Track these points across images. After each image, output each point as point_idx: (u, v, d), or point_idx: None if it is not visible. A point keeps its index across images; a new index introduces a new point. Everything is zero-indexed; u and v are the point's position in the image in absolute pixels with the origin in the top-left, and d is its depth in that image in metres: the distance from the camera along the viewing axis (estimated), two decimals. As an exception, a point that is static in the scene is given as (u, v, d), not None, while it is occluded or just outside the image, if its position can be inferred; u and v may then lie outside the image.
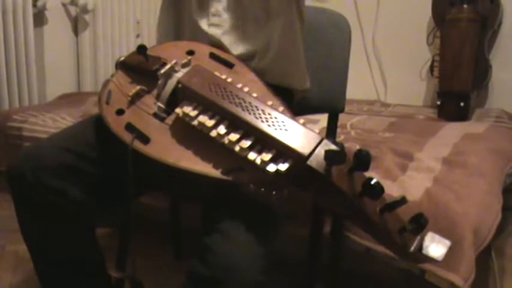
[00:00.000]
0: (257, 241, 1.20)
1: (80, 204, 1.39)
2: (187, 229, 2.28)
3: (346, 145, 2.36)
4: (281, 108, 1.25)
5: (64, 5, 3.61)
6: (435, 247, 1.09)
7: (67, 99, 3.45)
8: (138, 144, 1.27)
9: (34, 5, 3.34)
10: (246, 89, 1.30)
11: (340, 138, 2.57)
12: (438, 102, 3.22)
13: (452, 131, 2.76)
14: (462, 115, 3.11)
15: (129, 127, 1.32)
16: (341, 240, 1.91)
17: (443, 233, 1.73)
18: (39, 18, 3.47)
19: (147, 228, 2.36)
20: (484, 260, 2.04)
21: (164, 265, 2.27)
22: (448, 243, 1.10)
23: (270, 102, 1.26)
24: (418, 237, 1.10)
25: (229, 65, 1.48)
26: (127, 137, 1.29)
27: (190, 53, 1.49)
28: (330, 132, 2.03)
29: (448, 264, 1.70)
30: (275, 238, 1.30)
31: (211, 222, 1.25)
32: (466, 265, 1.74)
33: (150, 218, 2.36)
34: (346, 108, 2.06)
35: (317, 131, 1.19)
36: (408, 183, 2.02)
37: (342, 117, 2.10)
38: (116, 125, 1.33)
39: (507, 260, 2.29)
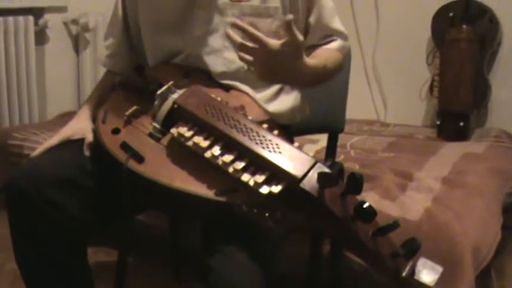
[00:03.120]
0: (258, 262, 1.20)
1: (77, 221, 1.39)
2: (187, 248, 2.27)
3: (345, 165, 2.36)
4: (276, 131, 1.25)
5: (65, 23, 3.62)
6: (427, 273, 1.09)
7: (68, 118, 3.43)
8: (132, 164, 1.28)
9: (35, 23, 3.36)
10: (241, 112, 1.30)
11: (339, 158, 2.57)
12: (438, 122, 3.22)
13: (451, 151, 2.76)
14: (462, 135, 3.10)
15: (124, 146, 1.32)
16: (340, 260, 1.91)
17: (443, 252, 1.74)
18: (41, 37, 3.48)
19: (146, 247, 2.36)
20: (484, 280, 2.03)
21: (163, 285, 2.26)
22: (440, 269, 1.10)
23: (265, 125, 1.26)
24: (411, 263, 1.10)
25: (225, 88, 1.49)
26: (122, 155, 1.30)
27: (187, 75, 1.50)
28: (330, 152, 2.03)
29: (448, 284, 1.68)
30: (275, 259, 1.31)
31: (212, 243, 1.25)
32: (466, 285, 1.74)
33: (149, 237, 2.35)
34: (346, 128, 2.05)
35: (316, 150, 1.19)
36: (408, 203, 2.02)
37: (341, 137, 2.10)
38: (111, 143, 1.34)
39: (507, 280, 2.28)
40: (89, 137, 1.50)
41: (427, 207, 1.98)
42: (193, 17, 1.54)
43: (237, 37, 1.32)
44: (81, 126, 1.56)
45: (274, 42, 1.30)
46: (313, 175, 1.11)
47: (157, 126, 1.36)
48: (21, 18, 3.23)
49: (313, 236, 1.89)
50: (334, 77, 1.62)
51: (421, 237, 1.13)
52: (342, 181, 1.10)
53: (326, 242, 1.91)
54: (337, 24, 1.64)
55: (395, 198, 2.07)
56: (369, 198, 1.98)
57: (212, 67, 1.54)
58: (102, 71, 1.85)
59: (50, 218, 1.35)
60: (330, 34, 1.64)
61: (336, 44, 1.64)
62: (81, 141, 1.50)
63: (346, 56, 1.70)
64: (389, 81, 3.64)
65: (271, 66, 1.34)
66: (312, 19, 1.61)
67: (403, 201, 2.04)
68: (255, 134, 1.21)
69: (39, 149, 1.51)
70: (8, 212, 1.40)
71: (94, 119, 1.57)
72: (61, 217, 1.36)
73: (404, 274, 1.09)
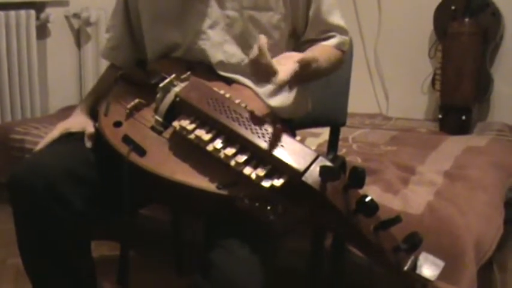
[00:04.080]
0: (259, 256, 1.20)
1: (80, 214, 1.39)
2: (189, 243, 2.27)
3: (347, 159, 2.36)
4: (278, 125, 1.25)
5: (67, 17, 3.62)
6: (429, 267, 1.10)
7: (70, 112, 3.43)
8: (134, 157, 1.28)
9: (37, 18, 3.35)
10: (243, 105, 1.30)
11: (341, 151, 2.56)
12: (440, 116, 3.21)
13: (453, 145, 2.76)
14: (464, 128, 3.10)
15: (126, 139, 1.32)
16: (342, 254, 1.90)
17: (445, 246, 1.74)
18: (42, 31, 3.47)
19: (149, 241, 2.36)
20: (486, 274, 2.03)
21: (166, 280, 2.26)
22: (441, 263, 1.10)
23: (267, 119, 1.26)
24: (412, 257, 1.10)
25: (228, 82, 1.49)
26: (123, 148, 1.30)
27: (190, 68, 1.49)
28: (332, 145, 2.02)
29: (450, 278, 1.69)
30: (276, 252, 1.31)
31: (214, 237, 1.25)
32: (468, 279, 1.73)
33: (152, 231, 2.35)
34: (348, 122, 2.05)
35: (318, 144, 1.19)
36: (410, 197, 2.02)
37: (343, 131, 2.10)
38: (113, 136, 1.34)
39: (509, 274, 2.28)
40: (89, 129, 1.50)
41: (429, 201, 1.98)
42: (192, 10, 1.54)
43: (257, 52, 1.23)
44: (79, 120, 1.57)
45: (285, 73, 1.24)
46: (315, 169, 1.11)
47: (160, 119, 1.35)
48: (23, 12, 3.23)
49: (315, 229, 1.89)
50: (329, 74, 1.62)
51: (423, 231, 1.13)
52: (344, 175, 1.10)
53: (328, 235, 1.91)
54: (336, 18, 1.64)
55: (398, 192, 2.06)
56: (371, 192, 1.98)
57: (212, 59, 1.54)
58: (104, 65, 1.85)
59: (54, 211, 1.35)
60: (328, 29, 1.63)
61: (334, 41, 1.63)
62: (81, 134, 1.51)
63: (347, 52, 1.70)
64: (391, 74, 3.64)
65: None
66: (311, 12, 1.60)
67: (405, 195, 2.03)
68: (257, 127, 1.21)
69: (41, 144, 1.51)
70: (12, 206, 1.39)
71: (93, 113, 1.57)
72: (65, 211, 1.36)
73: (405, 268, 1.09)
